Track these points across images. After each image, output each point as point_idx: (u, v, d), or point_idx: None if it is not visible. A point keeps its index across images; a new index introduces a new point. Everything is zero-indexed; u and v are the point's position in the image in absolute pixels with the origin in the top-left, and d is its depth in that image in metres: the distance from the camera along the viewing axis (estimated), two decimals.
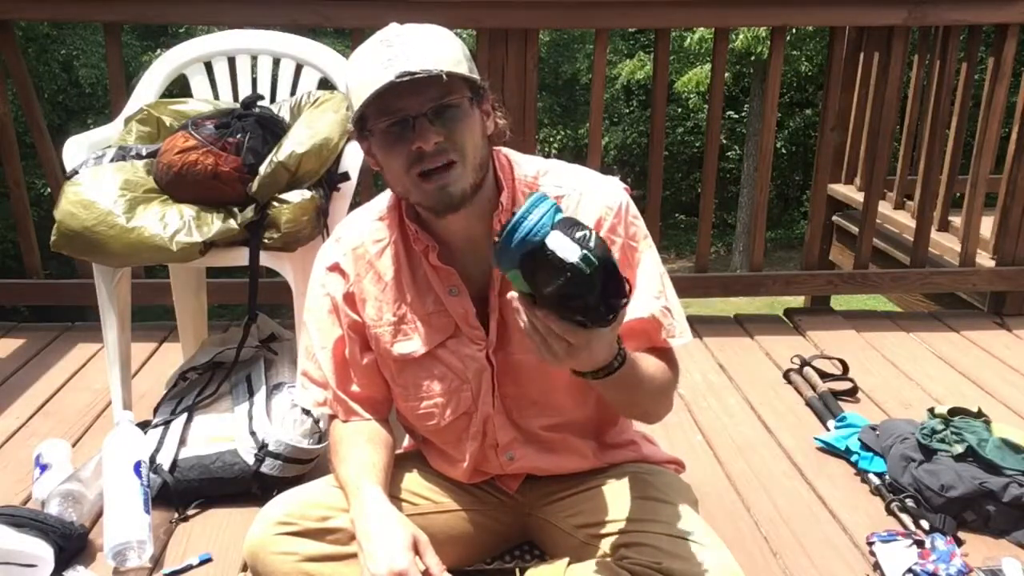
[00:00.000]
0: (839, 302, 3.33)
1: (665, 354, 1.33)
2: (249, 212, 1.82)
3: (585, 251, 0.99)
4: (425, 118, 1.18)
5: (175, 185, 1.86)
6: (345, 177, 1.97)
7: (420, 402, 1.39)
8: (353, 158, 1.96)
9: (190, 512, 1.75)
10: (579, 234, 1.01)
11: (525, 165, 1.35)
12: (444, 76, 1.15)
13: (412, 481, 1.46)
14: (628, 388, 1.21)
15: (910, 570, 1.56)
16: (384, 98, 1.17)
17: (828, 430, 2.15)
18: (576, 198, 1.32)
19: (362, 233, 1.38)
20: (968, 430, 1.84)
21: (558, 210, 1.04)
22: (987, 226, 3.09)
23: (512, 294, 1.07)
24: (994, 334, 2.88)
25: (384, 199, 1.38)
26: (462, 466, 1.43)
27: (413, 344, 1.36)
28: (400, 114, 1.18)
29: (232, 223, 1.82)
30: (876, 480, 1.88)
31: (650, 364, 1.27)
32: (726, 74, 3.79)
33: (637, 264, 1.34)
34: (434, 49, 1.19)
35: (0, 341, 2.69)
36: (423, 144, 1.18)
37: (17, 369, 2.49)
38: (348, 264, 1.37)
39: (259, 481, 1.77)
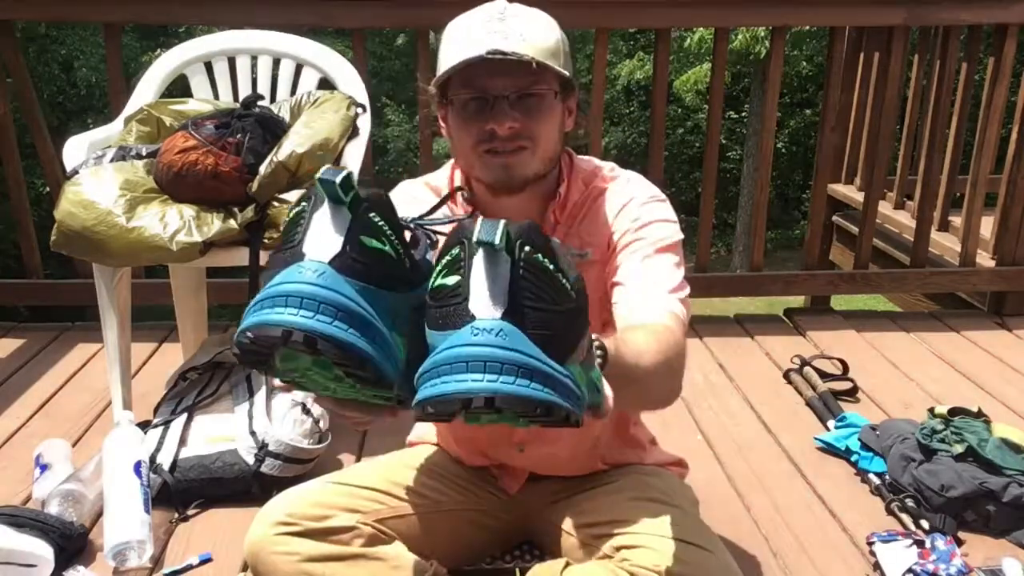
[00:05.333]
0: (839, 302, 3.33)
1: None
2: (249, 212, 1.82)
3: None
4: (506, 100, 1.17)
5: (175, 185, 1.86)
6: None
7: None
8: (353, 158, 1.96)
9: (190, 512, 1.75)
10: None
11: (584, 161, 1.36)
12: (534, 64, 1.14)
13: (413, 480, 1.45)
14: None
15: (910, 570, 1.56)
16: (471, 72, 1.16)
17: (828, 430, 2.15)
18: (616, 188, 1.33)
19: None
20: (968, 430, 1.84)
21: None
22: (987, 226, 3.09)
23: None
24: (994, 334, 2.88)
25: (440, 173, 1.37)
26: (468, 444, 1.44)
27: None
28: (482, 91, 1.18)
29: (232, 223, 1.82)
30: (876, 480, 1.88)
31: (638, 341, 1.07)
32: (726, 74, 3.78)
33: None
34: (533, 35, 1.18)
35: (0, 341, 2.69)
36: (497, 126, 1.17)
37: (17, 369, 2.49)
38: None
39: (259, 481, 1.77)
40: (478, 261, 0.69)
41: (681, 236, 1.30)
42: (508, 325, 0.67)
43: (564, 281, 0.72)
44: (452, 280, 0.69)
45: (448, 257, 0.71)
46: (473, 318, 0.67)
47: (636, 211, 1.29)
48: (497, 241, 0.67)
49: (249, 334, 0.69)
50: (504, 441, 1.42)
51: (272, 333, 0.67)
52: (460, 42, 1.17)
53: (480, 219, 0.71)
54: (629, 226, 1.28)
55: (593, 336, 0.84)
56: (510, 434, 1.41)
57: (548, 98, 1.20)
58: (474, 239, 0.68)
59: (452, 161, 1.34)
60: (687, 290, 1.26)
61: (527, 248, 0.70)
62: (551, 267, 0.71)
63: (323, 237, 0.71)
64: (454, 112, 1.22)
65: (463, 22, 1.20)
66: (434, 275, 0.73)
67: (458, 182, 1.33)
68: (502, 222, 0.69)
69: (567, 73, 1.21)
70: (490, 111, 1.18)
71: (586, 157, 1.37)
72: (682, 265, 1.30)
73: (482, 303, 0.67)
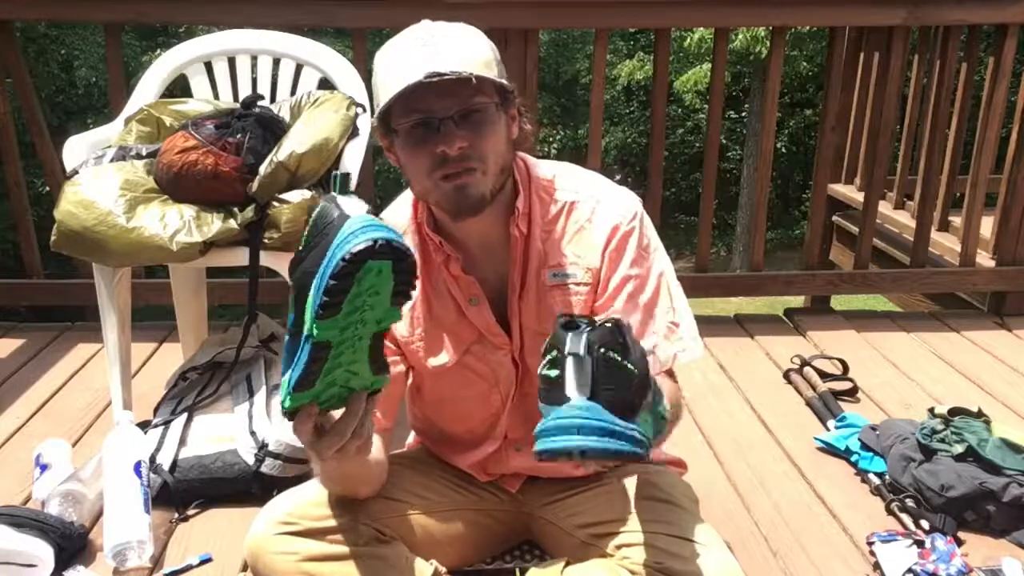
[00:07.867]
0: (839, 302, 3.33)
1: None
2: (249, 212, 1.82)
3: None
4: (451, 121, 1.17)
5: (175, 185, 1.86)
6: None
7: (456, 406, 1.41)
8: (353, 158, 1.96)
9: (190, 512, 1.75)
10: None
11: (540, 167, 1.35)
12: (473, 80, 1.14)
13: (413, 481, 1.46)
14: None
15: (910, 570, 1.56)
16: (412, 97, 1.15)
17: (828, 430, 2.15)
18: (592, 205, 1.32)
19: None
20: (968, 430, 1.84)
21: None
22: (987, 226, 3.09)
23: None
24: (994, 334, 2.88)
25: (401, 208, 1.36)
26: (472, 461, 1.44)
27: (443, 356, 1.36)
28: (426, 115, 1.17)
29: (232, 223, 1.82)
30: (876, 480, 1.88)
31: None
32: (726, 74, 3.79)
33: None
34: (465, 50, 1.18)
35: (0, 341, 2.69)
36: (447, 148, 1.17)
37: (17, 369, 2.49)
38: None
39: (259, 481, 1.77)
40: (570, 362, 1.00)
41: (667, 260, 1.35)
42: (592, 403, 0.97)
43: (630, 366, 1.01)
44: (554, 373, 1.01)
45: (550, 356, 1.03)
46: (569, 399, 0.98)
47: (626, 243, 1.30)
48: (582, 352, 0.99)
49: (351, 252, 0.95)
50: (503, 452, 1.43)
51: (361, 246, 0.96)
52: (395, 69, 1.16)
53: (570, 334, 1.01)
54: (623, 259, 1.29)
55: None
56: (506, 439, 1.42)
57: (491, 111, 1.20)
58: (566, 351, 1.00)
59: (409, 192, 1.32)
60: (685, 324, 1.34)
61: (602, 349, 1.00)
62: (619, 359, 1.01)
63: None
64: (401, 141, 1.21)
65: (393, 48, 1.19)
66: (540, 367, 1.04)
67: (422, 214, 1.32)
68: (584, 334, 1.00)
69: (505, 82, 1.21)
70: (437, 133, 1.17)
71: (533, 160, 1.35)
72: (678, 288, 1.35)
73: (574, 390, 0.99)
